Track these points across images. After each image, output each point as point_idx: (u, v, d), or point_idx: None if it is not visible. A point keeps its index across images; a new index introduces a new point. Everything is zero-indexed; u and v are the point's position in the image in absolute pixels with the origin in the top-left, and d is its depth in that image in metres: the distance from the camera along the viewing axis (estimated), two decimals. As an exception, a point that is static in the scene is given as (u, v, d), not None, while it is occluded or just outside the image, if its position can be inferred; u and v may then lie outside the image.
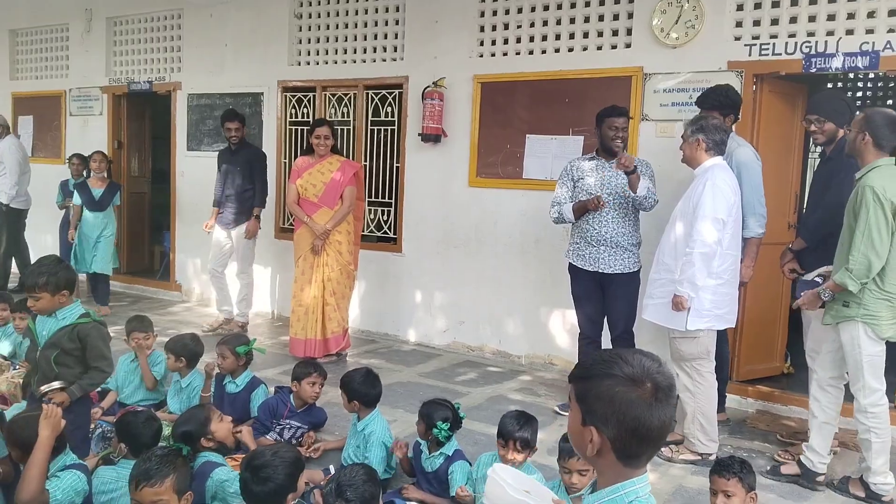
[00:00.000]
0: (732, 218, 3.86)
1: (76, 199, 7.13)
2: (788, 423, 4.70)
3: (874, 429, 3.51)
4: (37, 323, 3.39)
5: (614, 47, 5.46)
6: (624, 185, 4.43)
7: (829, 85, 7.43)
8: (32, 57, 9.38)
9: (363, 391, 3.79)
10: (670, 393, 1.49)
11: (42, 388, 3.19)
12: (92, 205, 7.06)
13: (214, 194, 6.59)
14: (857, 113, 3.68)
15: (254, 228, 6.45)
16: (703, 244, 3.78)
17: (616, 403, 1.46)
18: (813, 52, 4.70)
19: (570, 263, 4.66)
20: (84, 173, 7.52)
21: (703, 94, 4.52)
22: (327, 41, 6.89)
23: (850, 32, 4.63)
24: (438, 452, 3.45)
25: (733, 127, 4.49)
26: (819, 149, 4.91)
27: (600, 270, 4.48)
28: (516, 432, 3.17)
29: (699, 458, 4.00)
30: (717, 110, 4.38)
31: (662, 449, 4.07)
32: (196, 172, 7.75)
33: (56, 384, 3.21)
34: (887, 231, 3.36)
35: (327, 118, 6.33)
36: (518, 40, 5.85)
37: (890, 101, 7.94)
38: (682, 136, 4.10)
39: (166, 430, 3.53)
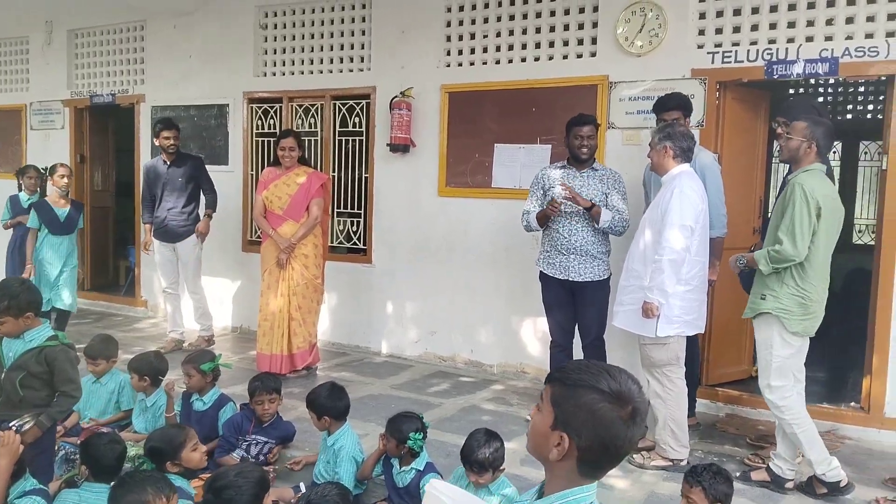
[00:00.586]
0: (700, 224, 3.89)
1: (32, 220, 6.08)
2: (757, 427, 4.73)
3: (794, 422, 3.63)
4: (2, 344, 3.27)
5: (580, 56, 5.50)
6: (594, 194, 4.45)
7: (791, 91, 7.56)
8: (-9, 70, 9.19)
9: (330, 405, 3.74)
10: (644, 417, 1.50)
11: (12, 424, 3.06)
12: (56, 227, 6.07)
13: (145, 208, 6.45)
14: (800, 122, 3.74)
15: (205, 228, 6.31)
16: (672, 251, 3.80)
17: (597, 418, 1.46)
18: (774, 58, 4.77)
19: (540, 272, 4.67)
20: (39, 189, 6.76)
21: (662, 99, 4.58)
22: (293, 52, 6.84)
23: (809, 39, 4.71)
24: (410, 467, 3.41)
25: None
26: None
27: (570, 279, 4.49)
28: (478, 454, 3.11)
29: (671, 463, 4.02)
30: (680, 111, 4.45)
31: (634, 455, 4.07)
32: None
33: (27, 420, 3.08)
34: (809, 227, 3.50)
35: (293, 129, 6.26)
36: (485, 50, 5.86)
37: (850, 106, 8.12)
38: (649, 144, 4.12)
39: (131, 451, 3.45)
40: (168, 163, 6.33)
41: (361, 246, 6.57)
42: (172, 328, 6.47)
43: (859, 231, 8.88)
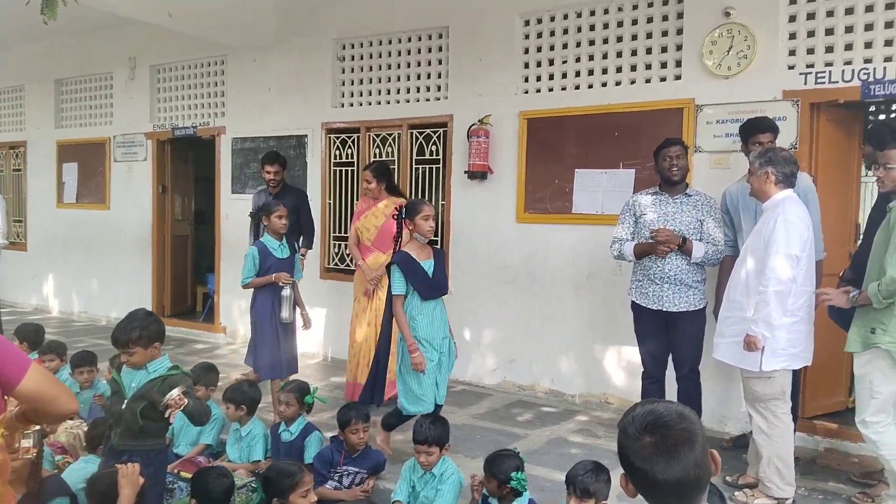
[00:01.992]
0: (806, 254, 3.72)
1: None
2: (860, 461, 4.51)
3: (890, 457, 3.56)
4: (123, 375, 3.33)
5: (663, 79, 5.42)
6: (688, 221, 4.35)
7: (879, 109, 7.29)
8: (77, 105, 9.61)
9: (447, 437, 3.75)
10: (677, 448, 1.47)
11: (171, 394, 3.07)
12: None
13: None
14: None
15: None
16: (778, 282, 3.63)
17: (623, 455, 1.55)
18: (871, 78, 4.60)
19: (632, 301, 4.56)
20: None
21: (753, 121, 4.50)
22: (370, 83, 6.94)
23: (909, 58, 4.54)
24: (513, 504, 3.36)
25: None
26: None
27: (664, 309, 4.37)
28: (584, 479, 3.12)
29: (775, 502, 3.84)
30: (770, 132, 4.38)
31: (736, 493, 3.92)
32: (240, 215, 7.77)
33: (176, 391, 3.07)
34: None
35: (379, 160, 6.28)
36: (564, 76, 5.84)
37: None
38: (749, 170, 3.99)
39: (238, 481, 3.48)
40: (272, 195, 6.29)
41: (439, 273, 6.56)
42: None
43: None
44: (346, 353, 7.00)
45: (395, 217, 4.57)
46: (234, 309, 7.99)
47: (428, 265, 4.27)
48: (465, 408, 5.60)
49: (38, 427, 2.61)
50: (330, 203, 7.22)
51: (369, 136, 6.92)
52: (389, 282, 4.27)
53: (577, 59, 5.78)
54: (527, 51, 6.01)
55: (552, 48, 5.89)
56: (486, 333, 6.23)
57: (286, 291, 5.06)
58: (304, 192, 6.65)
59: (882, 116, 6.31)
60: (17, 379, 2.38)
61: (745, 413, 4.85)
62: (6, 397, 2.42)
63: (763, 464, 3.84)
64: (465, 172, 6.12)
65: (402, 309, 4.23)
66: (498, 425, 5.17)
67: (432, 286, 4.28)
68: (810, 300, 3.84)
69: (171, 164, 8.78)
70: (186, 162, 9.02)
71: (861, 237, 4.30)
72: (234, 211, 7.91)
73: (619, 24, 5.59)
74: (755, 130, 4.44)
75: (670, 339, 4.43)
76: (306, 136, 7.32)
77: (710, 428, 4.56)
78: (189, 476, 4.13)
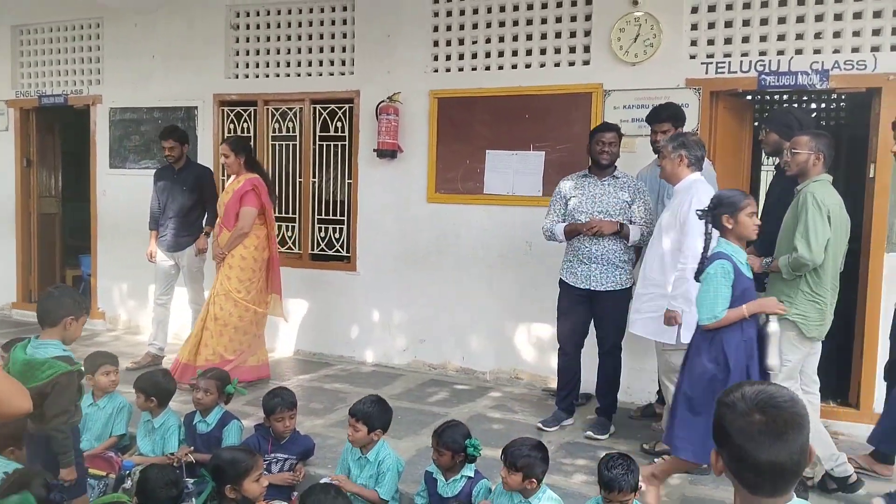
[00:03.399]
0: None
1: None
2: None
3: None
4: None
5: (572, 64, 5.55)
6: (614, 203, 4.50)
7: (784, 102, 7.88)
8: (-80, 66, 8.53)
9: (385, 419, 3.64)
10: (787, 430, 1.46)
11: None
12: None
13: (151, 215, 6.14)
14: (803, 136, 3.90)
15: (203, 245, 6.02)
16: (696, 259, 3.82)
17: (722, 429, 1.52)
18: (767, 70, 4.95)
19: (560, 279, 4.67)
20: None
21: (655, 109, 4.70)
22: (268, 53, 6.64)
23: (799, 52, 4.90)
24: (460, 475, 3.37)
25: None
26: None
27: (591, 287, 4.51)
28: (512, 452, 3.07)
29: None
30: (670, 122, 4.59)
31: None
32: (120, 192, 7.28)
33: None
34: (823, 233, 3.64)
35: (237, 136, 6.11)
36: (474, 56, 5.84)
37: (842, 117, 8.48)
38: (662, 153, 4.18)
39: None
40: (174, 169, 6.04)
41: (345, 253, 6.43)
42: (152, 342, 6.10)
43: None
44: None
45: None
46: (115, 293, 7.46)
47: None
48: (378, 388, 5.49)
49: None
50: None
51: (267, 109, 6.63)
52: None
53: (488, 40, 5.80)
54: (436, 28, 5.96)
55: (462, 27, 5.87)
56: (395, 314, 6.18)
57: (773, 326, 3.49)
58: (208, 169, 6.37)
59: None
60: None
61: (648, 385, 5.16)
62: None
63: None
64: (374, 151, 6.01)
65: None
66: (417, 405, 5.16)
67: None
68: None
69: (37, 135, 8.01)
70: (53, 133, 8.27)
71: (761, 213, 4.58)
72: (113, 187, 7.37)
73: (530, 7, 5.66)
74: (654, 119, 4.66)
75: (595, 316, 4.59)
76: (196, 107, 6.90)
77: (619, 399, 4.78)
78: (101, 474, 3.86)
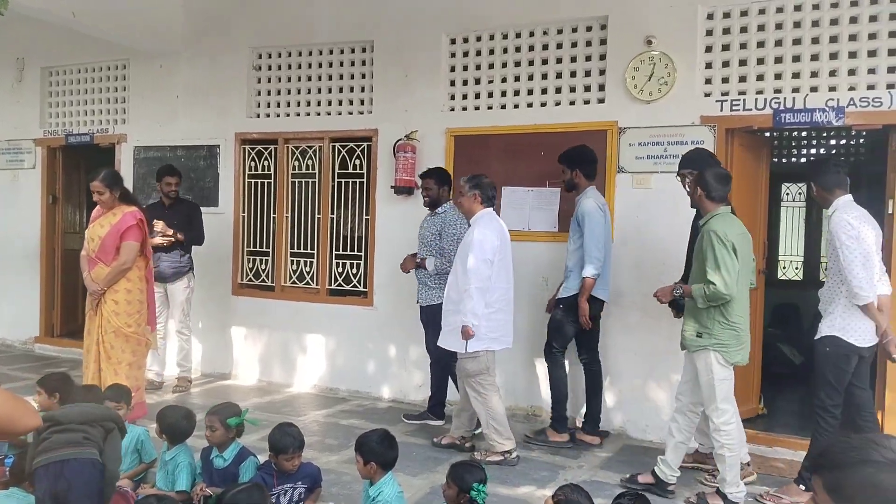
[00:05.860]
0: (499, 257, 4.63)
1: None
2: (777, 465, 4.81)
3: (727, 445, 3.99)
4: None
5: (587, 102, 5.61)
6: (429, 234, 5.37)
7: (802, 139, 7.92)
8: (-47, 107, 8.79)
9: (380, 451, 3.62)
10: None
11: None
12: None
13: None
14: (695, 173, 4.22)
15: (163, 229, 6.20)
16: (479, 279, 4.52)
17: (881, 490, 1.45)
18: (782, 107, 4.97)
19: None
20: None
21: (565, 154, 5.13)
22: (289, 93, 6.78)
23: (814, 89, 4.93)
24: (468, 521, 3.33)
25: (582, 179, 5.08)
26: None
27: (418, 303, 5.47)
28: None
29: (503, 457, 4.64)
30: (564, 163, 5.11)
31: (475, 453, 4.74)
32: (143, 227, 7.39)
33: None
34: (733, 266, 3.85)
35: (104, 168, 5.65)
36: (490, 94, 5.93)
37: (860, 152, 8.48)
38: (460, 192, 4.85)
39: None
40: (166, 206, 6.28)
41: (362, 288, 6.47)
42: (149, 368, 6.17)
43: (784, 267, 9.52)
44: (257, 373, 6.82)
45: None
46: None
47: None
48: (395, 425, 5.48)
49: None
50: (244, 216, 6.97)
51: (287, 147, 6.75)
52: None
53: (504, 80, 5.89)
54: (453, 69, 6.07)
55: (478, 67, 5.98)
56: (412, 350, 6.16)
57: None
58: (196, 205, 6.70)
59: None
60: None
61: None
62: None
63: (483, 427, 4.72)
64: (392, 187, 6.08)
65: None
66: (430, 441, 5.13)
67: None
68: (506, 294, 4.75)
69: (63, 173, 8.20)
70: (79, 170, 8.44)
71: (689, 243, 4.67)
72: (136, 224, 7.47)
73: (545, 47, 5.76)
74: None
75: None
76: (218, 146, 7.04)
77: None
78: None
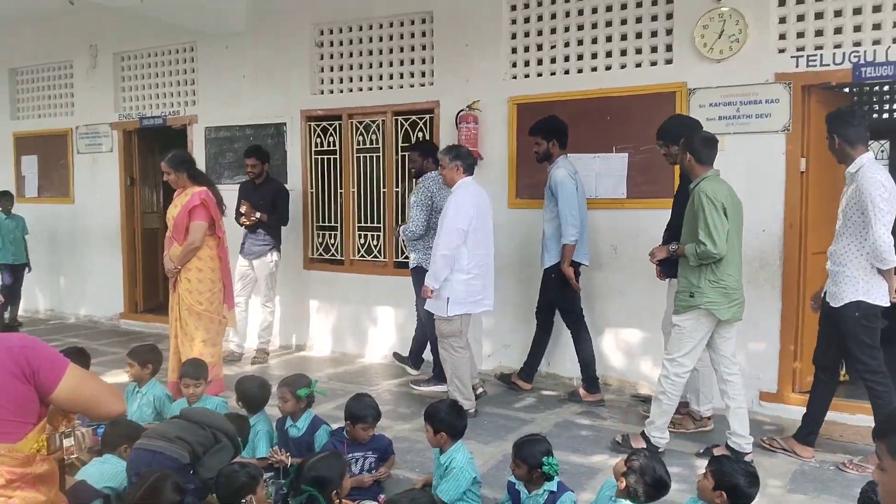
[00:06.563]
0: (473, 226, 4.80)
1: None
2: (860, 433, 4.66)
3: (668, 392, 4.19)
4: None
5: (654, 63, 5.46)
6: (411, 199, 5.69)
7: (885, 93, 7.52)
8: (35, 95, 9.20)
9: (449, 421, 3.68)
10: None
11: None
12: None
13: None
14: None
15: (250, 212, 6.50)
16: (445, 247, 4.74)
17: None
18: (862, 61, 4.72)
19: None
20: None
21: (535, 125, 5.29)
22: (351, 69, 6.82)
23: (897, 41, 4.67)
24: (542, 490, 3.33)
25: (557, 149, 5.27)
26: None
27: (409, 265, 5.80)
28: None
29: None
30: (540, 135, 5.23)
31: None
32: (216, 206, 7.61)
33: None
34: (723, 226, 3.95)
35: (173, 150, 5.74)
36: (553, 60, 5.83)
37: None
38: (440, 163, 5.00)
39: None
40: (255, 185, 6.61)
41: (428, 261, 6.51)
42: (231, 338, 6.53)
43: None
44: (330, 344, 7.00)
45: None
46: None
47: None
48: (464, 395, 5.58)
49: (78, 422, 2.51)
50: (312, 192, 7.10)
51: (352, 123, 6.81)
52: None
53: (567, 44, 5.78)
54: (514, 36, 5.98)
55: (540, 33, 5.88)
56: (483, 321, 6.18)
57: None
58: (284, 187, 6.84)
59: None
60: (53, 385, 2.28)
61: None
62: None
63: (448, 383, 4.97)
64: (455, 159, 6.07)
65: None
66: (503, 410, 5.17)
67: None
68: (485, 259, 4.95)
69: (139, 155, 8.50)
70: (154, 152, 8.73)
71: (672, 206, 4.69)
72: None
73: (609, 9, 5.61)
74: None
75: None
76: (285, 123, 7.16)
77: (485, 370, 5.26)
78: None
